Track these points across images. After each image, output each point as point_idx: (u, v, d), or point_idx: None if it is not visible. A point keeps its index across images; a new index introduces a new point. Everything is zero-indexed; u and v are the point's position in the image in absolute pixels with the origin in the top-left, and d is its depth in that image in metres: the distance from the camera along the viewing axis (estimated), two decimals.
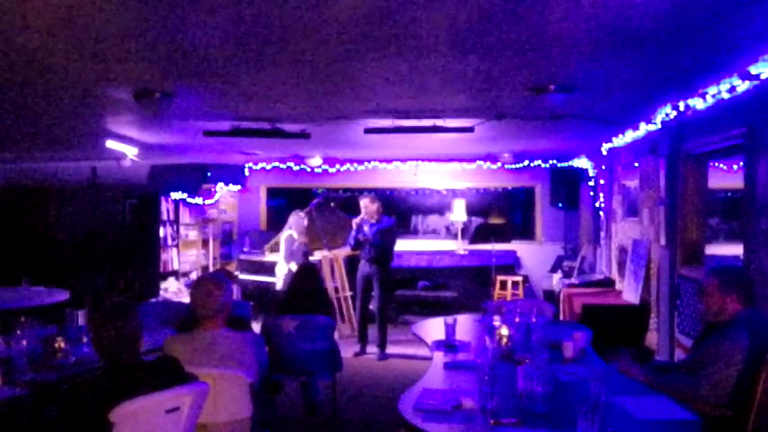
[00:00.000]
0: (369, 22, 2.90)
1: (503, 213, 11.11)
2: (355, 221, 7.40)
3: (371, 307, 7.48)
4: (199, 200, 9.57)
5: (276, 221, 10.43)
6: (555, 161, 9.77)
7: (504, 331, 3.72)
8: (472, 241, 9.60)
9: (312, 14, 2.79)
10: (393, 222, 7.56)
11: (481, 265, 9.48)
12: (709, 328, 3.32)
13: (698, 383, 3.04)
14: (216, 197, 10.01)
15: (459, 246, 9.99)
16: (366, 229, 7.31)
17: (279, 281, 7.82)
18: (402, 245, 10.20)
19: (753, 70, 3.58)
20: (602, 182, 8.37)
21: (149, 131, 6.38)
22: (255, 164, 10.13)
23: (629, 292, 6.57)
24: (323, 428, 5.04)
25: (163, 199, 8.92)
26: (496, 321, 4.10)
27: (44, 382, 3.34)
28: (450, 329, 4.04)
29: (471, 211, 10.34)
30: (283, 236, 7.89)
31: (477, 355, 3.67)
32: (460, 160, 9.90)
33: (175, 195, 9.12)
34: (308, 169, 9.92)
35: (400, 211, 11.41)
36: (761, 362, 2.90)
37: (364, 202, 7.40)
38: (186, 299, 6.09)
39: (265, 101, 4.79)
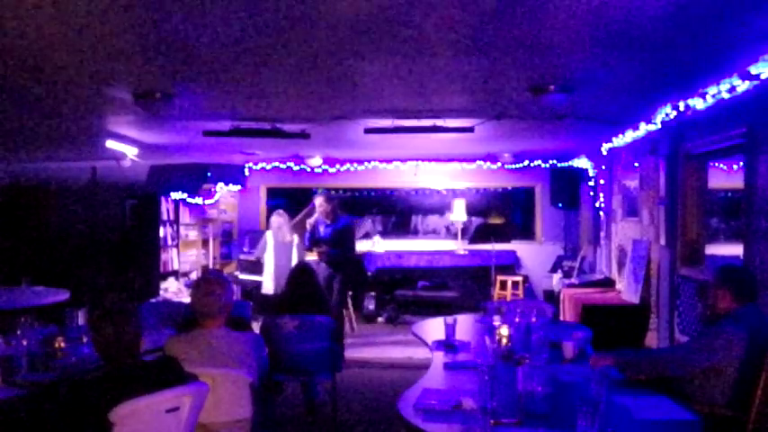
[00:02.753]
0: (369, 23, 2.90)
1: (503, 213, 11.11)
2: (309, 222, 7.25)
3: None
4: (199, 200, 9.56)
5: None
6: (555, 161, 9.77)
7: (504, 331, 3.72)
8: (472, 241, 9.60)
9: (312, 14, 2.79)
10: (349, 222, 7.27)
11: (481, 265, 9.47)
12: (708, 325, 3.35)
13: (687, 360, 3.08)
14: (216, 197, 10.01)
15: (459, 246, 9.99)
16: (321, 229, 7.14)
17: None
18: (402, 245, 10.24)
19: (753, 70, 3.58)
20: (602, 182, 8.37)
21: (149, 131, 6.39)
22: (255, 164, 10.13)
23: (629, 292, 6.58)
24: (323, 428, 5.04)
25: (163, 199, 8.91)
26: (496, 321, 4.09)
27: (44, 382, 3.34)
28: (451, 329, 4.04)
29: (471, 211, 10.33)
30: (295, 244, 7.83)
31: (477, 355, 3.67)
32: (460, 160, 9.89)
33: (175, 195, 9.12)
34: (308, 169, 9.91)
35: (400, 211, 11.40)
36: (761, 362, 2.90)
37: (318, 202, 7.14)
38: (186, 299, 6.09)
39: (265, 101, 4.79)
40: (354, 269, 7.26)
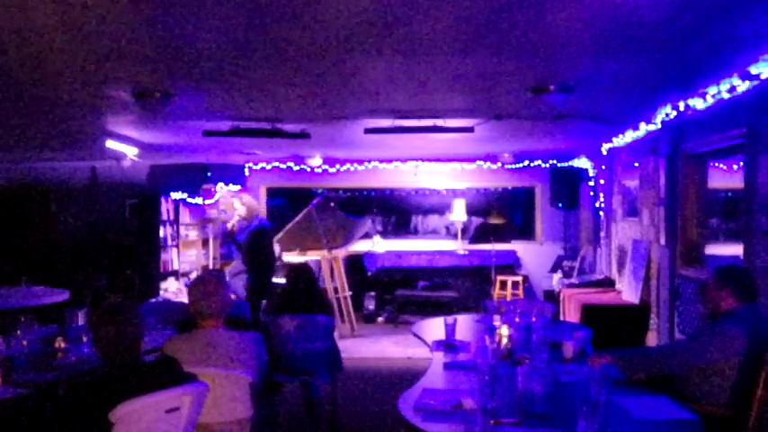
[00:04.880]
0: (369, 23, 2.90)
1: (503, 213, 11.10)
2: (229, 223, 7.21)
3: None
4: (199, 200, 9.57)
5: (276, 221, 10.44)
6: (555, 161, 9.77)
7: (504, 331, 3.72)
8: (472, 241, 9.60)
9: (312, 14, 2.79)
10: (261, 224, 7.11)
11: (481, 265, 9.48)
12: (708, 323, 3.35)
13: (686, 357, 3.09)
14: (216, 197, 10.01)
15: (459, 246, 9.99)
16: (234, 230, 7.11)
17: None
18: (402, 245, 10.24)
19: (753, 70, 3.58)
20: (602, 182, 8.37)
21: (149, 131, 6.39)
22: (255, 164, 10.13)
23: (629, 292, 6.58)
24: (323, 428, 5.04)
25: (163, 199, 8.91)
26: (496, 321, 4.09)
27: (44, 382, 3.34)
28: (450, 329, 4.04)
29: (471, 211, 10.33)
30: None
31: (477, 355, 3.65)
32: (460, 160, 9.90)
33: (175, 195, 9.12)
34: (308, 169, 9.91)
35: (400, 211, 11.41)
36: (761, 361, 2.90)
37: (236, 204, 7.10)
38: (186, 299, 6.09)
39: (265, 101, 4.78)
40: (263, 275, 6.95)
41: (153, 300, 7.85)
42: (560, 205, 9.64)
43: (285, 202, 11.26)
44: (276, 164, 10.02)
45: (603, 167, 8.26)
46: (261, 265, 6.95)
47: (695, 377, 3.10)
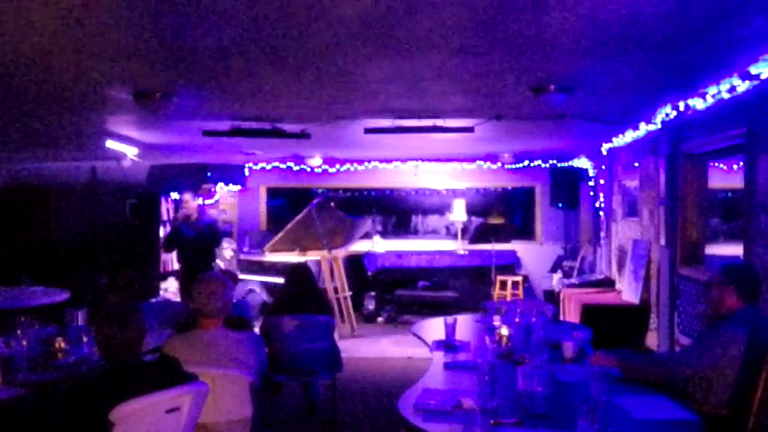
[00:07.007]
0: (369, 23, 2.91)
1: (503, 213, 11.11)
2: (189, 217, 7.18)
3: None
4: (199, 200, 9.57)
5: (276, 221, 10.44)
6: (555, 161, 9.77)
7: (504, 331, 3.72)
8: (472, 241, 9.60)
9: (312, 15, 2.79)
10: (214, 222, 7.23)
11: (481, 265, 9.48)
12: (709, 325, 3.35)
13: (688, 363, 3.08)
14: (216, 197, 10.01)
15: (459, 246, 9.99)
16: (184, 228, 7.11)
17: None
18: (402, 245, 10.24)
19: (753, 70, 3.58)
20: (602, 182, 8.37)
21: (149, 131, 6.39)
22: (255, 164, 10.13)
23: (629, 292, 6.58)
24: (323, 428, 5.04)
25: (163, 199, 8.91)
26: (496, 321, 4.09)
27: (44, 382, 3.34)
28: (451, 329, 4.04)
29: (471, 211, 10.33)
30: None
31: (477, 355, 3.66)
32: (460, 160, 9.90)
33: (175, 195, 9.12)
34: (308, 169, 9.92)
35: (400, 211, 11.41)
36: (761, 362, 2.90)
37: (186, 197, 7.13)
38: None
39: (265, 101, 4.79)
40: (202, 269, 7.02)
41: (153, 300, 7.85)
42: (560, 205, 9.64)
43: (285, 202, 11.26)
44: (276, 164, 10.02)
45: (603, 167, 8.26)
46: (205, 259, 7.05)
47: (696, 377, 3.10)
